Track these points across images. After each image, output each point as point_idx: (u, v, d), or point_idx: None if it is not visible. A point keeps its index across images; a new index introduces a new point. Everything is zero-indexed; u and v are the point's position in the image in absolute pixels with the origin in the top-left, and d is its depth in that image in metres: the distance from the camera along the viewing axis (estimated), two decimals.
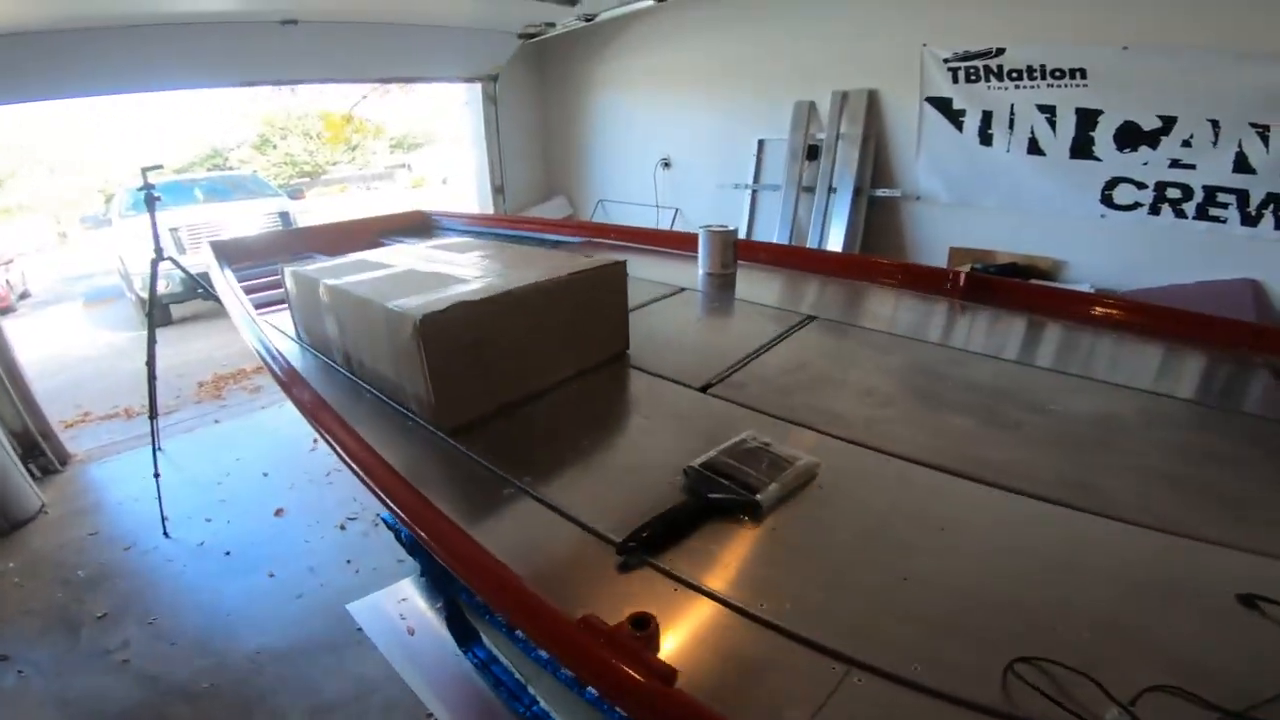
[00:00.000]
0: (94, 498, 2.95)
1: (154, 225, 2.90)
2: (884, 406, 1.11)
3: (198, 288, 5.10)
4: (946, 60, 3.35)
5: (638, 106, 4.82)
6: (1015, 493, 0.85)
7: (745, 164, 4.16)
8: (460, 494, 0.88)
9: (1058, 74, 3.11)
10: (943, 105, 3.43)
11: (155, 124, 13.51)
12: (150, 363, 2.75)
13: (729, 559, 0.74)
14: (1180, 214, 2.98)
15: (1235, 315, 2.12)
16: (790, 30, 3.81)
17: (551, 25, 4.15)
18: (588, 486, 0.88)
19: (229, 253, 2.46)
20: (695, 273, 1.95)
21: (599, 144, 5.26)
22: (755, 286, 1.87)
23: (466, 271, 1.18)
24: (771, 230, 3.95)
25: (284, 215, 6.44)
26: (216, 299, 3.07)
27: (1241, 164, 2.77)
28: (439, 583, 1.92)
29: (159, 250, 2.98)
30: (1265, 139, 2.70)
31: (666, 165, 4.70)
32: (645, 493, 0.85)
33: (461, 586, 1.91)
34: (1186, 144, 2.87)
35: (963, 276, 1.77)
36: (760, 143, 4.07)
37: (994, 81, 3.27)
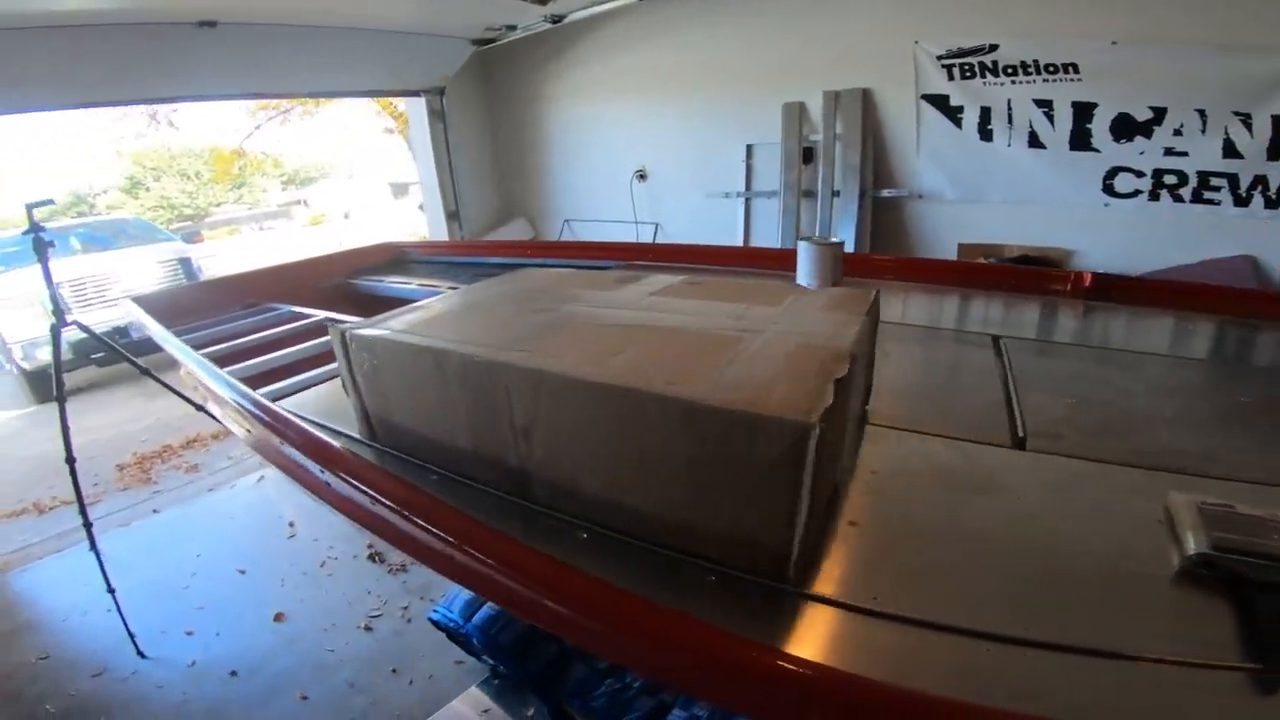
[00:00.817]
0: (27, 614, 2.33)
1: (50, 283, 2.28)
2: (1210, 435, 0.92)
3: (91, 354, 4.27)
4: (940, 57, 3.30)
5: (605, 115, 4.50)
6: None
7: (732, 171, 3.95)
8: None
9: (1051, 69, 3.13)
10: (940, 102, 3.38)
11: None
12: (70, 460, 2.14)
13: None
14: (1178, 199, 3.06)
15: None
16: (774, 28, 3.64)
17: (512, 28, 3.75)
18: (1067, 609, 0.58)
19: (160, 309, 1.96)
20: None
21: (561, 158, 4.89)
22: None
23: (716, 323, 0.80)
24: (772, 238, 3.76)
25: (185, 262, 5.61)
26: (144, 370, 2.47)
27: (1230, 150, 2.87)
28: (539, 688, 1.55)
29: (60, 315, 2.36)
30: (1249, 126, 2.81)
31: (642, 177, 4.39)
32: (1146, 599, 0.60)
33: (570, 691, 1.54)
34: (1178, 133, 2.95)
35: (1088, 277, 1.72)
36: (749, 147, 3.87)
37: (989, 78, 3.25)
